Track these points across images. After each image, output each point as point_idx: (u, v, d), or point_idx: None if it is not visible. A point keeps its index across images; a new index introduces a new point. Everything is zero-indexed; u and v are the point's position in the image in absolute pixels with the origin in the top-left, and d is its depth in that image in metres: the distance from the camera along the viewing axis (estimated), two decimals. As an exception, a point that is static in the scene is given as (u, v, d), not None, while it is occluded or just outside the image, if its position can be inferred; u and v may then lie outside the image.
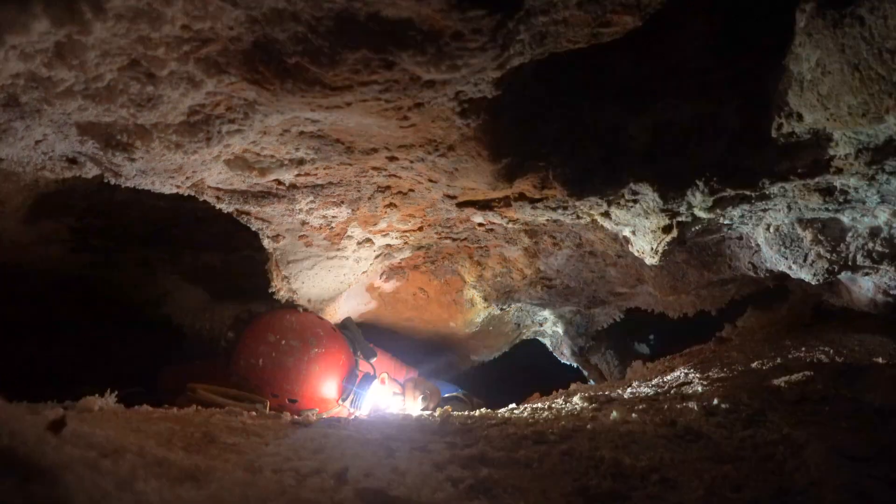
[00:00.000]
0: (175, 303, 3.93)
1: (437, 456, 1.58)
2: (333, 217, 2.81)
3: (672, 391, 2.19)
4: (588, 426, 1.80)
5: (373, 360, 3.16)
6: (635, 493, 1.37)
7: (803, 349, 2.41)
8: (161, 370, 3.36)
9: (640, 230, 2.58)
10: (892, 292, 2.41)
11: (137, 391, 2.86)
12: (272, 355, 2.76)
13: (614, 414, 1.93)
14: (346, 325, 3.22)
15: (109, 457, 0.94)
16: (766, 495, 1.39)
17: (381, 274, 3.65)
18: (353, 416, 2.95)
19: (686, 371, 2.51)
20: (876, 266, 2.21)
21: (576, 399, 2.28)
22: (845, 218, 2.20)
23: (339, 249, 3.02)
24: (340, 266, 3.16)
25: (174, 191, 2.42)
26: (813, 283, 2.44)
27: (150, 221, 3.35)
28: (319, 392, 2.81)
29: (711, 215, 2.31)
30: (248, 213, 2.79)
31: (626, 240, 2.74)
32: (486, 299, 3.84)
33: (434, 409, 3.27)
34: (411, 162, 2.37)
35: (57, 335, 3.81)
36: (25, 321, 3.73)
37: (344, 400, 2.91)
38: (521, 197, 2.64)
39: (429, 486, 1.31)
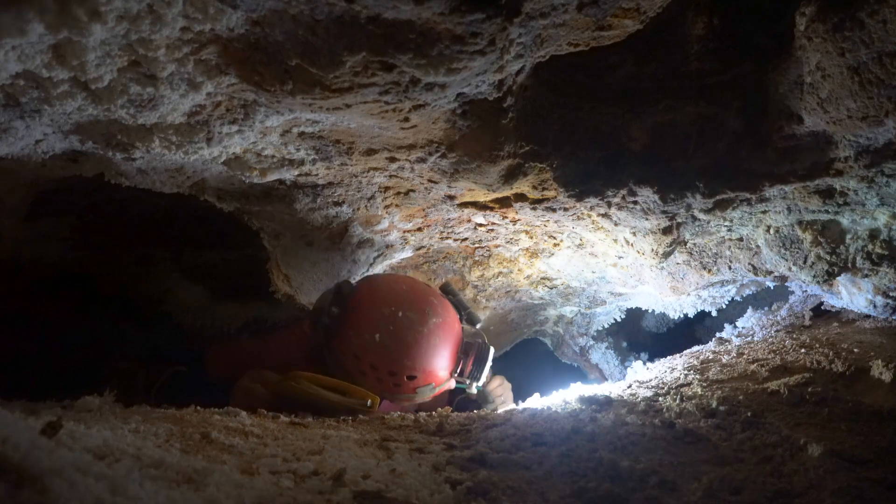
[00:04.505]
0: (175, 301, 3.93)
1: (436, 457, 1.58)
2: (334, 217, 2.81)
3: (671, 392, 2.19)
4: (587, 428, 1.80)
5: (479, 326, 2.86)
6: (634, 496, 1.37)
7: (802, 350, 2.41)
8: (207, 349, 3.10)
9: (640, 231, 2.58)
10: (891, 294, 2.40)
11: (181, 371, 2.73)
12: (389, 329, 2.47)
13: (613, 415, 1.93)
14: (447, 289, 2.86)
15: (105, 459, 0.94)
16: (764, 498, 1.39)
17: (382, 274, 3.65)
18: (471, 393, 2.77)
19: (686, 372, 2.51)
20: (875, 268, 2.21)
21: (575, 400, 2.28)
22: (845, 220, 2.20)
23: (339, 249, 3.02)
24: (341, 266, 3.16)
25: (175, 190, 2.43)
26: (813, 284, 2.44)
27: (150, 220, 3.36)
28: (437, 366, 2.56)
29: (711, 217, 2.31)
30: (248, 213, 2.79)
31: (627, 241, 2.74)
32: (487, 299, 3.85)
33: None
34: (412, 163, 2.37)
35: (57, 333, 3.80)
36: (25, 319, 3.73)
37: (456, 373, 2.65)
38: (522, 198, 2.64)
39: (427, 488, 1.31)
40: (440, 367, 2.56)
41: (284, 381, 2.28)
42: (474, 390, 2.74)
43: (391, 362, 2.47)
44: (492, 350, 2.72)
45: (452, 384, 2.69)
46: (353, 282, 2.72)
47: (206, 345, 3.36)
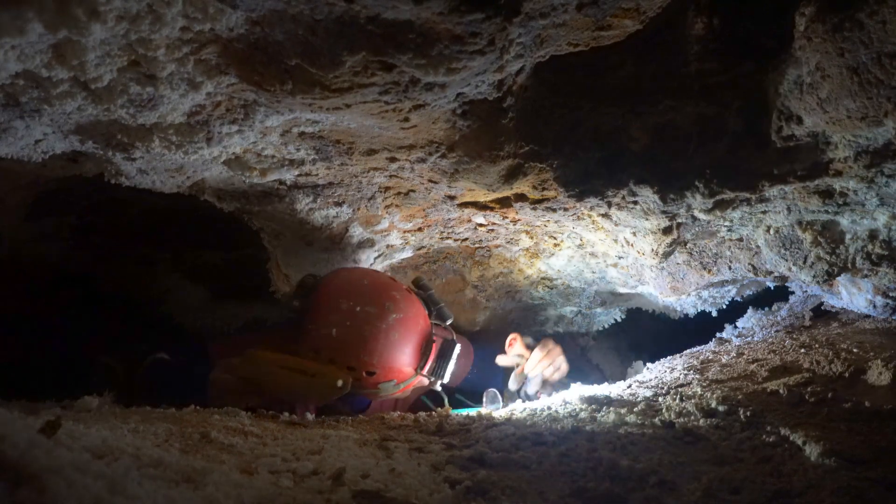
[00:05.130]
0: (176, 301, 3.93)
1: (435, 457, 1.58)
2: (334, 217, 2.81)
3: (671, 392, 2.19)
4: (587, 427, 1.81)
5: (448, 323, 2.76)
6: (633, 496, 1.37)
7: (802, 350, 2.41)
8: (211, 345, 3.03)
9: (640, 231, 2.58)
10: (891, 294, 2.40)
11: (162, 359, 2.67)
12: (346, 324, 2.43)
13: (613, 415, 1.93)
14: (419, 284, 2.82)
15: (104, 459, 0.94)
16: (764, 498, 1.39)
17: (382, 274, 3.65)
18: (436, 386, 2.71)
19: (685, 372, 2.51)
20: (875, 268, 2.20)
21: (575, 400, 2.28)
22: (844, 220, 2.20)
23: (340, 249, 3.02)
24: (341, 266, 3.16)
25: (175, 190, 2.43)
26: (813, 284, 2.44)
27: (150, 220, 3.36)
28: (399, 362, 2.51)
29: (711, 217, 2.31)
30: (249, 213, 2.79)
31: (627, 241, 2.74)
32: (487, 299, 3.84)
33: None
34: (412, 163, 2.38)
35: (56, 333, 3.81)
36: (25, 318, 3.73)
37: (421, 370, 2.59)
38: (522, 198, 2.64)
39: (426, 488, 1.31)
40: (402, 363, 2.52)
41: (241, 363, 2.24)
42: (438, 387, 2.72)
43: (348, 357, 2.43)
44: (457, 347, 2.67)
45: (423, 381, 2.65)
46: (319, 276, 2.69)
47: (208, 340, 3.32)
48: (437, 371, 2.63)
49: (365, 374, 2.44)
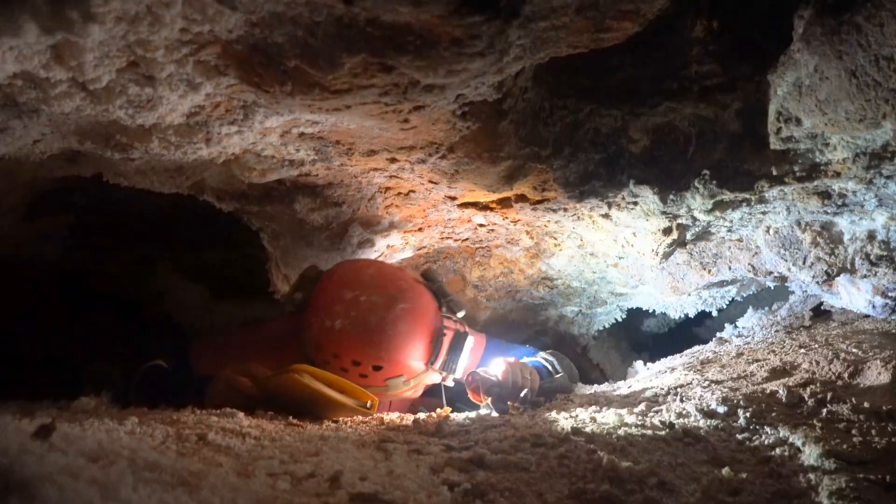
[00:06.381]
0: (174, 300, 3.93)
1: (434, 458, 1.57)
2: (334, 217, 2.81)
3: (671, 393, 2.19)
4: (586, 428, 1.80)
5: (461, 315, 2.57)
6: (632, 497, 1.37)
7: (802, 351, 2.41)
8: (192, 344, 2.82)
9: (640, 232, 2.59)
10: (890, 294, 2.40)
11: (159, 366, 2.48)
12: (351, 315, 2.25)
13: (613, 416, 1.92)
14: (428, 276, 2.60)
15: (98, 463, 0.94)
16: (763, 499, 1.39)
17: (382, 274, 3.64)
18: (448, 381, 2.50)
19: (685, 372, 2.51)
20: (874, 269, 2.21)
21: (575, 400, 2.28)
22: (843, 221, 2.21)
23: (339, 250, 3.01)
24: (341, 266, 3.16)
25: (174, 190, 2.43)
26: (812, 284, 2.44)
27: (149, 219, 3.35)
28: (407, 355, 2.32)
29: (711, 217, 2.31)
30: (248, 213, 2.79)
31: (627, 241, 2.74)
32: (488, 299, 3.84)
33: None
34: (412, 164, 2.37)
35: (55, 332, 3.81)
36: (24, 318, 3.74)
37: (432, 364, 2.39)
38: (522, 198, 2.65)
39: (424, 490, 1.31)
40: (411, 356, 2.34)
41: (283, 373, 2.06)
42: (450, 382, 2.52)
43: (353, 350, 2.27)
44: (470, 339, 2.49)
45: (435, 377, 2.48)
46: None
47: (191, 339, 3.17)
48: (448, 365, 2.43)
49: (371, 368, 2.29)
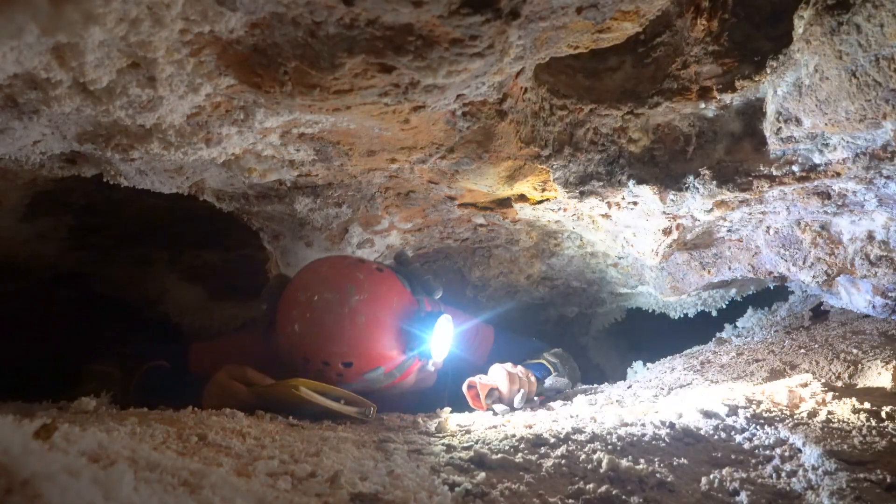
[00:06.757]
0: (173, 301, 3.93)
1: (434, 458, 1.58)
2: (334, 217, 2.81)
3: (671, 392, 2.19)
4: (587, 428, 1.80)
5: (437, 297, 2.49)
6: (632, 498, 1.37)
7: (802, 351, 2.41)
8: (192, 346, 2.77)
9: (640, 232, 2.59)
10: (890, 294, 2.40)
11: (159, 366, 2.47)
12: (307, 316, 2.21)
13: (613, 416, 1.93)
14: (400, 261, 2.54)
15: (99, 462, 0.94)
16: (763, 500, 1.39)
17: (382, 274, 3.64)
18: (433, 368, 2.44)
19: (685, 372, 2.51)
20: (873, 269, 2.21)
21: (575, 400, 2.28)
22: (843, 221, 2.21)
23: (339, 250, 3.02)
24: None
25: (174, 191, 2.43)
26: (812, 284, 2.44)
27: (148, 220, 3.35)
28: (376, 346, 2.24)
29: (711, 217, 2.31)
30: (248, 213, 2.79)
31: (627, 241, 2.74)
32: (488, 299, 3.85)
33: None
34: (412, 164, 2.38)
35: (55, 332, 3.81)
36: (23, 318, 3.74)
37: (411, 350, 2.30)
38: (522, 198, 2.65)
39: (424, 490, 1.31)
40: (381, 346, 2.25)
41: (281, 385, 2.05)
42: (431, 368, 2.46)
43: (318, 351, 2.21)
44: (443, 317, 2.36)
45: (415, 363, 2.39)
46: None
47: (191, 341, 3.12)
48: (426, 349, 2.34)
49: (342, 366, 2.22)
